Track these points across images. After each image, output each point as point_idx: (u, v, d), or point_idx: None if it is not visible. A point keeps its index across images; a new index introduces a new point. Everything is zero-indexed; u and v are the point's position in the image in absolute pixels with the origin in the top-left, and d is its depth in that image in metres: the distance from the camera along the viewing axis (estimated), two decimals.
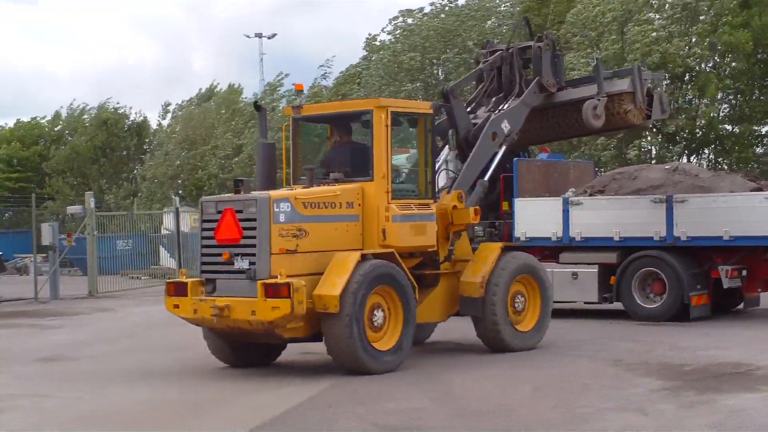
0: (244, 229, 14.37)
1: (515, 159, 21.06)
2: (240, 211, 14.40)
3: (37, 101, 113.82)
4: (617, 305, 21.17)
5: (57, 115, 71.66)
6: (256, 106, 15.87)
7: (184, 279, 14.90)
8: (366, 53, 51.49)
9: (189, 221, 37.80)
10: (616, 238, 20.68)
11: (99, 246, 33.06)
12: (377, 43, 50.61)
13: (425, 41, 45.44)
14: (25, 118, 74.30)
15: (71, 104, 71.15)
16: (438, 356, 16.58)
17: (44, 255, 35.16)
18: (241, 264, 14.30)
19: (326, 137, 16.56)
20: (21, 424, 12.02)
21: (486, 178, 17.66)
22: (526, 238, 21.39)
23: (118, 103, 69.16)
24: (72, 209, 37.71)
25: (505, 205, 21.66)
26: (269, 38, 71.16)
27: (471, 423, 11.37)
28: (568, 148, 33.96)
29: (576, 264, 21.08)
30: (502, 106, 18.43)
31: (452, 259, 16.43)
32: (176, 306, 14.85)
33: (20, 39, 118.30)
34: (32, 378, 15.29)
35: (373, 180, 15.22)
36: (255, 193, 14.57)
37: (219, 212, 14.63)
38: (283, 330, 14.16)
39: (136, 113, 68.22)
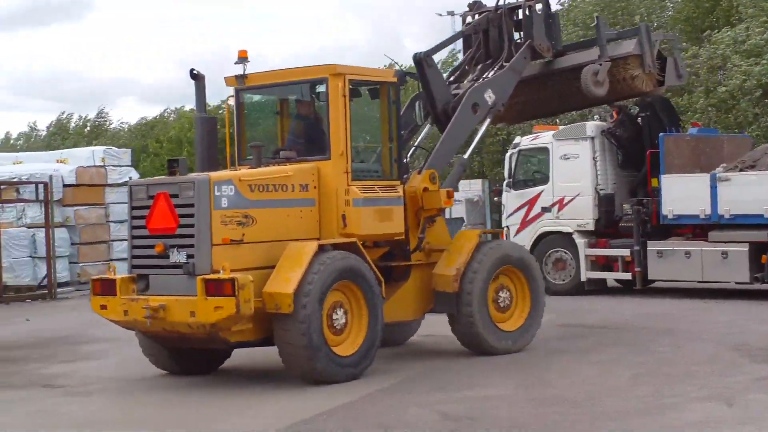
0: (181, 216, 12.98)
1: (661, 135, 20.85)
2: (175, 196, 13.04)
3: None
4: None
5: None
6: (192, 74, 14.00)
7: (112, 275, 13.45)
8: None
9: None
10: (767, 215, 19.96)
11: None
12: None
13: (587, 16, 42.40)
14: None
15: None
16: (554, 340, 16.17)
17: None
18: (178, 257, 12.90)
19: (276, 111, 15.19)
20: None
21: (467, 155, 15.74)
22: (673, 215, 21.26)
23: None
24: None
25: (654, 182, 21.47)
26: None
27: (544, 413, 11.08)
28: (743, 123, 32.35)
29: (726, 243, 20.53)
30: (486, 74, 16.49)
31: (423, 248, 15.08)
32: (103, 307, 13.48)
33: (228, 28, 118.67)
34: None
35: (330, 159, 13.75)
36: (192, 175, 13.25)
37: (151, 197, 13.29)
38: (228, 333, 12.80)
39: None
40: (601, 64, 16.79)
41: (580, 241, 22.67)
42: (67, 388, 13.60)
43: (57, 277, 27.46)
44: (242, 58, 14.51)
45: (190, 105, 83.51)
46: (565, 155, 22.87)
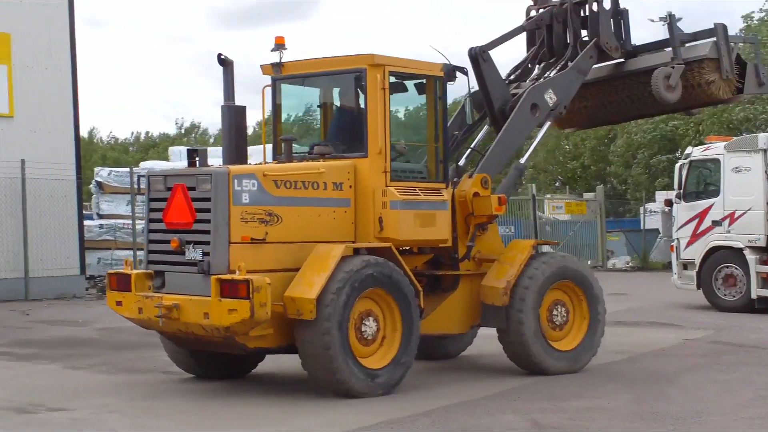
0: (198, 210, 12.05)
1: None
2: (193, 189, 12.07)
3: None
4: None
5: None
6: (220, 60, 13.06)
7: (128, 270, 12.52)
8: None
9: (548, 208, 40.39)
10: None
11: None
12: (755, 22, 46.12)
13: None
14: None
15: None
16: (697, 357, 15.72)
17: None
18: (193, 254, 11.96)
19: (319, 103, 14.15)
20: None
21: (524, 159, 14.62)
22: None
23: None
24: None
25: None
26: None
27: (639, 427, 10.67)
28: None
29: None
30: (548, 73, 15.30)
31: (474, 257, 14.03)
32: (119, 303, 12.62)
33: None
34: None
35: (367, 156, 12.69)
36: (211, 167, 12.07)
37: (168, 189, 12.36)
38: (246, 338, 11.84)
39: None
40: (673, 67, 15.52)
41: (750, 258, 21.96)
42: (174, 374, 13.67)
43: None
44: (279, 45, 13.54)
45: None
46: (736, 167, 22.24)
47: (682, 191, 23.36)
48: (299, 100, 14.51)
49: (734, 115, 39.68)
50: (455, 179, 14.25)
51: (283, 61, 13.51)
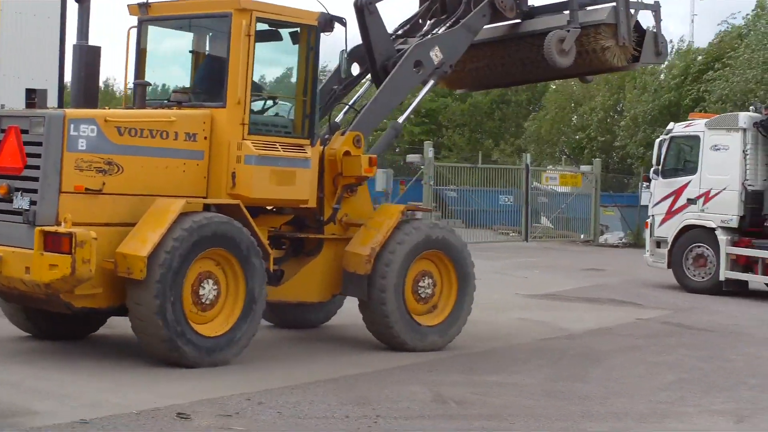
0: (29, 155, 11.18)
1: None
2: (26, 132, 11.15)
3: None
4: None
5: None
6: None
7: None
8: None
9: (543, 180, 39.94)
10: None
11: (483, 198, 35.79)
12: None
13: None
14: None
15: None
16: (640, 338, 15.49)
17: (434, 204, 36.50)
18: (21, 203, 11.07)
19: (191, 49, 13.29)
20: None
21: (402, 119, 13.89)
22: None
23: None
24: (411, 158, 36.98)
25: None
26: None
27: (542, 405, 10.49)
28: None
29: None
30: (437, 30, 14.47)
31: (339, 220, 13.28)
32: None
33: None
34: None
35: (225, 107, 11.83)
36: (45, 110, 11.16)
37: (2, 131, 11.38)
38: (71, 297, 11.00)
39: None
40: (569, 31, 14.75)
41: (722, 238, 21.32)
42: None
43: None
44: None
45: None
46: (715, 146, 21.70)
47: (660, 167, 22.78)
48: (171, 44, 13.66)
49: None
50: (327, 136, 13.54)
51: (150, 0, 12.70)
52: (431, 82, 14.26)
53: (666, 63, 41.71)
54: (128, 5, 12.92)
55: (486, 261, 23.19)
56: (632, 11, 15.09)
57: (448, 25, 14.70)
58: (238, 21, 11.84)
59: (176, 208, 11.03)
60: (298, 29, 12.54)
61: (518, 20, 15.24)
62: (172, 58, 13.57)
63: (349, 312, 14.29)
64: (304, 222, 13.19)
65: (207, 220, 11.17)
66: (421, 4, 15.32)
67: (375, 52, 14.08)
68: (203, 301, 11.28)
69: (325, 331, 14.56)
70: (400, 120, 14.18)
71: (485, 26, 15.00)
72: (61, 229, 10.45)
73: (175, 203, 11.13)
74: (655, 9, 15.52)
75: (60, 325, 12.47)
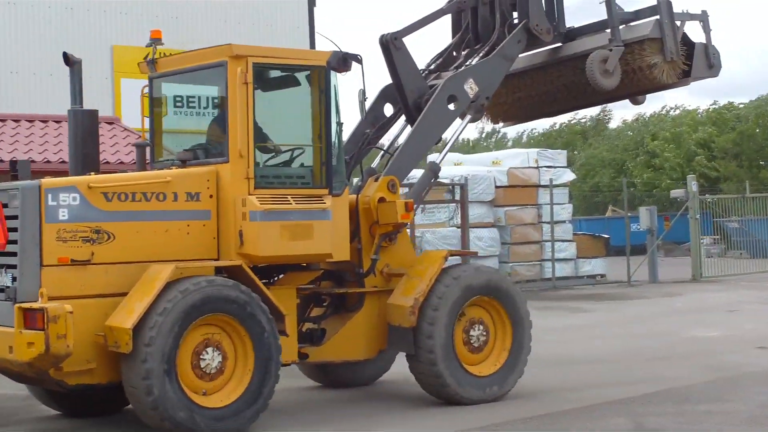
0: (10, 230, 10.47)
1: None
2: (6, 206, 10.53)
3: (735, 84, 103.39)
4: None
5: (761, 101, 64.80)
6: (66, 58, 11.47)
7: None
8: None
9: None
10: None
11: (756, 228, 35.37)
12: None
13: None
14: (722, 101, 70.37)
15: None
16: None
17: (715, 237, 38.06)
18: (4, 279, 10.43)
19: (205, 104, 12.62)
20: None
21: (440, 159, 12.91)
22: None
23: None
24: (675, 193, 36.72)
25: None
26: None
27: None
28: None
29: None
30: (471, 60, 13.48)
31: (383, 272, 12.37)
32: None
33: None
34: None
35: (228, 161, 11.06)
36: (20, 182, 10.61)
37: None
38: (61, 374, 10.20)
39: None
40: (611, 50, 13.59)
41: None
42: None
43: None
44: (154, 40, 12.11)
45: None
46: None
47: None
48: (181, 100, 12.95)
49: None
50: (360, 184, 12.66)
51: (155, 57, 12.11)
52: (468, 117, 13.25)
53: None
54: (138, 64, 12.37)
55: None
56: (678, 23, 13.88)
57: (481, 54, 13.69)
58: (234, 69, 11.06)
59: (164, 276, 10.21)
60: (305, 71, 11.71)
61: (558, 44, 14.18)
62: (185, 114, 12.82)
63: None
64: (343, 277, 12.33)
65: (194, 286, 10.28)
66: (453, 35, 14.31)
67: (406, 90, 13.16)
68: (205, 370, 10.41)
69: (378, 388, 13.62)
70: (438, 160, 13.12)
71: (524, 53, 14.03)
72: (35, 304, 9.73)
73: (164, 270, 10.30)
74: (703, 19, 14.26)
75: (82, 402, 11.76)
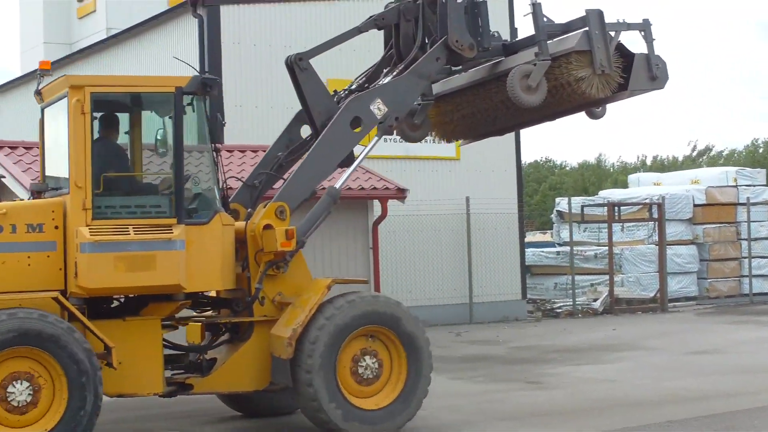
0: None
1: None
2: None
3: None
4: None
5: None
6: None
7: None
8: None
9: None
10: None
11: None
12: None
13: None
14: None
15: None
16: None
17: None
18: None
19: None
20: None
21: (339, 185, 12.20)
22: None
23: None
24: None
25: None
26: None
27: None
28: None
29: None
30: (380, 80, 12.87)
31: (272, 300, 11.93)
32: None
33: None
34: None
35: (68, 193, 11.03)
36: None
37: None
38: None
39: None
40: (535, 64, 12.57)
41: None
42: (540, 384, 15.37)
43: (683, 292, 30.41)
44: (43, 70, 12.01)
45: None
46: None
47: None
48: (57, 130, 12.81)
49: None
50: (250, 210, 12.27)
51: (40, 87, 12.06)
52: (378, 138, 12.51)
53: None
54: (34, 93, 12.31)
55: None
56: (612, 34, 12.65)
57: (395, 73, 12.94)
58: (72, 99, 10.91)
59: None
60: (158, 99, 11.44)
61: (499, 58, 13.26)
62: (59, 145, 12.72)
63: None
64: (232, 306, 11.98)
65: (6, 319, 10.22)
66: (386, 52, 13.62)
67: (313, 112, 12.61)
68: (16, 405, 10.22)
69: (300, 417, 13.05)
70: (337, 185, 12.35)
71: (475, 68, 13.34)
72: None
73: None
74: (644, 28, 12.93)
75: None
